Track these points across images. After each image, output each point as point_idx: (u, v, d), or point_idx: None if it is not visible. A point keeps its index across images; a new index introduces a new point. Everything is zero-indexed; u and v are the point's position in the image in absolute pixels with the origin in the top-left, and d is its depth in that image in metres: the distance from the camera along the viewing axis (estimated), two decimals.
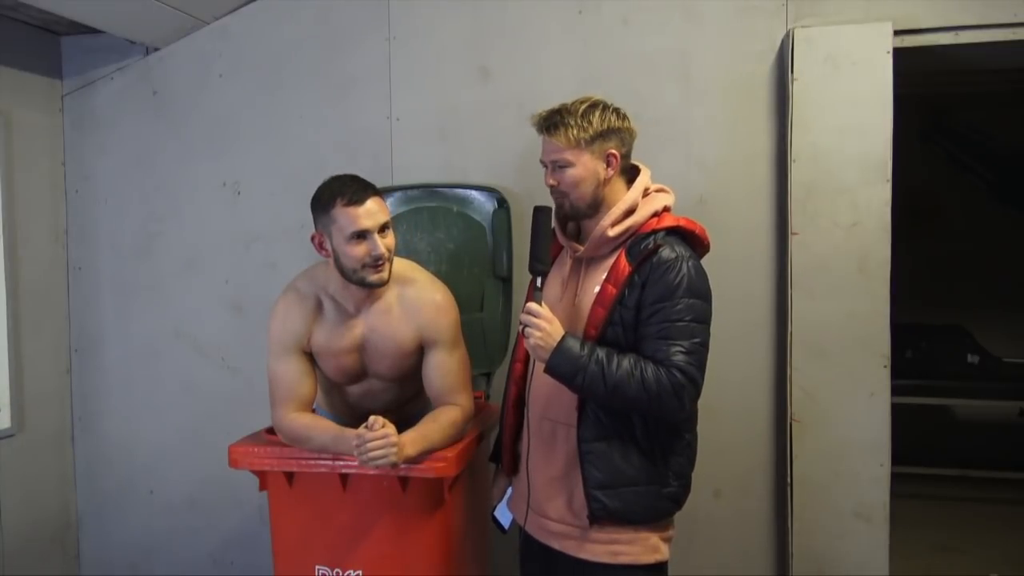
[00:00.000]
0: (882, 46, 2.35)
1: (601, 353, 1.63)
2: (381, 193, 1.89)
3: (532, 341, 1.66)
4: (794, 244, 2.42)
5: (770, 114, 2.49)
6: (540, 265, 1.71)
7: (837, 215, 2.39)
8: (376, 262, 1.84)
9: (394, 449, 1.73)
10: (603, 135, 1.70)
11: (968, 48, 2.42)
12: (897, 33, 2.36)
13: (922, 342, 4.68)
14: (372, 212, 1.83)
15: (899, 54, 2.36)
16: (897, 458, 2.44)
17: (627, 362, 1.62)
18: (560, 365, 1.64)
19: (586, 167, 1.70)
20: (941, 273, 4.94)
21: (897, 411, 2.41)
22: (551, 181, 1.74)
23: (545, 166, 1.76)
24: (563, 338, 1.65)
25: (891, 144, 2.36)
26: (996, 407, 4.59)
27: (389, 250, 1.87)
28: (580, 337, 1.68)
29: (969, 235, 5.01)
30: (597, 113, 1.70)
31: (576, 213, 1.76)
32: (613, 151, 1.71)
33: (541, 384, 1.78)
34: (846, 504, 2.41)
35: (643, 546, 1.73)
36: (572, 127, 1.68)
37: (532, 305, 1.67)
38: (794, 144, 2.41)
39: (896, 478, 2.43)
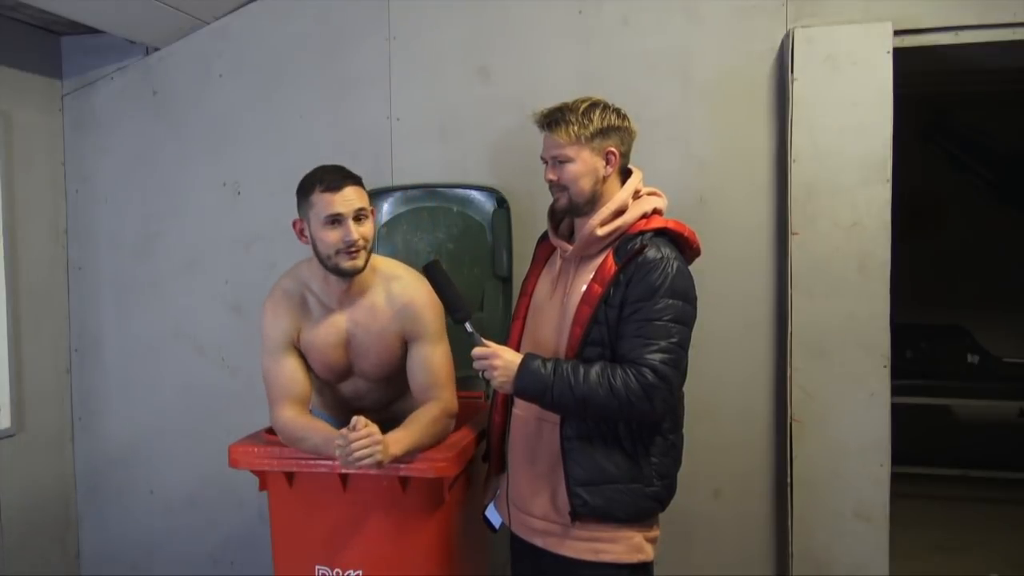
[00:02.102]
0: (882, 46, 2.35)
1: (567, 367, 1.66)
2: (363, 184, 1.90)
3: (496, 380, 1.69)
4: (794, 244, 2.42)
5: (770, 114, 2.49)
6: (460, 313, 1.76)
7: (837, 215, 2.39)
8: (349, 248, 1.84)
9: (379, 447, 1.72)
10: (603, 132, 1.73)
11: (968, 48, 2.42)
12: (897, 33, 2.36)
13: (922, 342, 4.67)
14: (348, 199, 1.84)
15: (899, 54, 2.36)
16: (897, 458, 2.44)
17: (594, 372, 1.64)
18: (528, 386, 1.67)
19: (585, 163, 1.73)
20: (941, 273, 4.94)
21: (897, 411, 2.41)
22: (551, 176, 1.77)
23: (545, 162, 1.79)
24: (524, 360, 1.69)
25: (891, 144, 2.36)
26: (996, 407, 4.59)
27: (364, 238, 1.86)
28: (542, 356, 1.70)
29: (969, 235, 5.02)
30: (598, 111, 1.73)
31: (574, 209, 1.78)
32: (612, 149, 1.74)
33: None
34: (846, 504, 2.41)
35: (626, 545, 1.74)
36: (573, 124, 1.72)
37: (475, 351, 1.72)
38: (794, 144, 2.41)
39: (896, 478, 2.43)
